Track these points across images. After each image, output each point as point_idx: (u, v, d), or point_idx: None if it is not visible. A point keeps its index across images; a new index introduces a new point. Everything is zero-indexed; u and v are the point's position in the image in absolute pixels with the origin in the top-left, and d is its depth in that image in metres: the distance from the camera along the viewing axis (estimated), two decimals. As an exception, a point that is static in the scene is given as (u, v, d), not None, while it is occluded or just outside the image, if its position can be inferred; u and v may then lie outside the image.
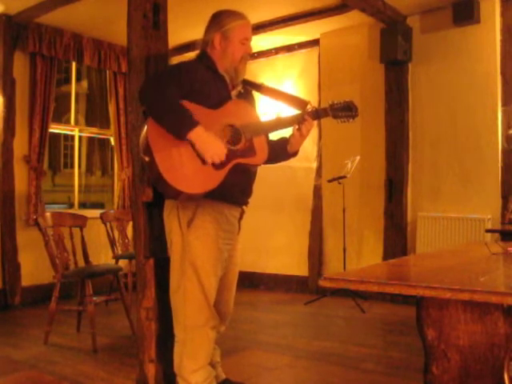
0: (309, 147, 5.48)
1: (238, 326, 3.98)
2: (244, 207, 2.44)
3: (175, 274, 2.32)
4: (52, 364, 3.26)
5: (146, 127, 2.16)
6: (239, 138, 2.24)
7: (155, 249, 2.58)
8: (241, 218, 2.44)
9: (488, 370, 1.41)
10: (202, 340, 2.30)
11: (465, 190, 4.69)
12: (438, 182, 4.85)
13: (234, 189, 2.30)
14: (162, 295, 2.53)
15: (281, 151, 2.47)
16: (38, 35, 5.04)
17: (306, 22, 5.09)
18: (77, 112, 7.65)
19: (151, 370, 2.56)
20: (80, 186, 6.79)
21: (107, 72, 5.91)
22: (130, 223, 4.43)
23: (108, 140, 6.52)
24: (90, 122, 10.44)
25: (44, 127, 5.13)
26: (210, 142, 2.13)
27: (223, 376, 2.56)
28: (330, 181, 4.95)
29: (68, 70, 6.35)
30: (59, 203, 8.66)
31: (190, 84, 2.23)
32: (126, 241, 5.09)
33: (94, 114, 9.51)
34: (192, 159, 2.15)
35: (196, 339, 2.30)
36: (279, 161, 2.53)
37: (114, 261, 4.91)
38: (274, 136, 2.44)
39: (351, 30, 5.34)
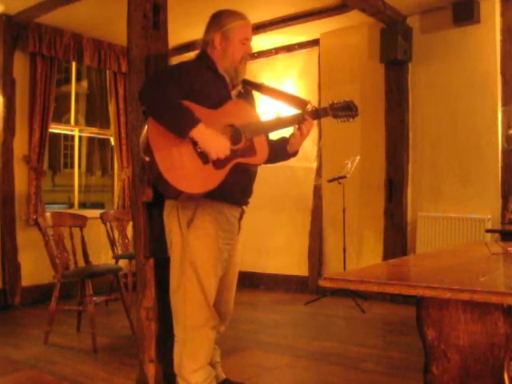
0: (309, 147, 5.48)
1: (238, 326, 3.98)
2: (244, 207, 2.44)
3: (175, 274, 2.32)
4: (52, 364, 3.26)
5: (146, 127, 2.16)
6: (239, 138, 2.24)
7: (155, 249, 2.58)
8: (241, 217, 2.44)
9: (488, 369, 1.41)
10: (201, 340, 2.30)
11: (465, 190, 4.69)
12: (438, 182, 4.85)
13: (235, 189, 2.30)
14: (162, 295, 2.53)
15: (281, 151, 2.47)
16: (38, 35, 5.04)
17: (306, 22, 5.09)
18: (77, 112, 7.65)
19: (151, 370, 2.56)
20: (80, 185, 6.79)
21: (107, 72, 5.91)
22: (130, 223, 4.43)
23: (108, 140, 6.52)
24: (89, 122, 10.44)
25: (44, 127, 5.13)
26: (213, 138, 2.14)
27: (223, 376, 2.56)
28: (330, 181, 4.95)
29: (68, 70, 6.35)
30: (59, 203, 8.65)
31: (190, 84, 2.23)
32: (126, 241, 5.09)
33: (94, 114, 9.51)
34: (192, 159, 2.15)
35: (196, 339, 2.30)
36: (279, 161, 2.53)
37: (113, 261, 4.91)
38: (274, 136, 2.44)
39: (351, 30, 5.33)
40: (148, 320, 2.57)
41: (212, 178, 2.17)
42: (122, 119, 5.82)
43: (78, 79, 9.71)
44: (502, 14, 4.57)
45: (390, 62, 4.95)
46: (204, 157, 2.16)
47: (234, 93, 2.38)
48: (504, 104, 4.54)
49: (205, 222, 2.26)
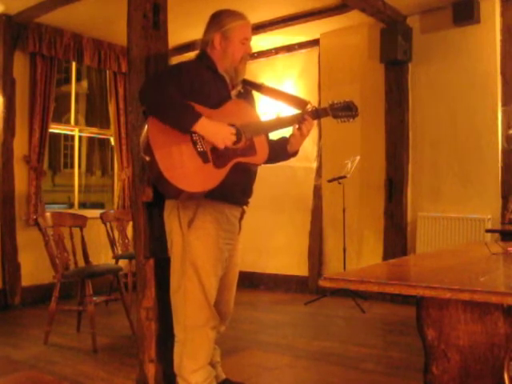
0: (309, 147, 5.48)
1: (238, 326, 3.98)
2: (245, 207, 2.44)
3: (175, 274, 2.32)
4: (52, 364, 3.25)
5: (146, 127, 2.16)
6: (240, 138, 2.24)
7: (155, 249, 2.58)
8: (241, 217, 2.44)
9: (488, 369, 1.41)
10: (202, 340, 2.30)
11: (465, 190, 4.69)
12: (438, 182, 4.85)
13: (235, 188, 2.30)
14: (162, 295, 2.53)
15: (281, 151, 2.47)
16: (38, 35, 5.04)
17: (306, 22, 5.09)
18: (77, 112, 7.65)
19: (151, 370, 2.56)
20: (80, 185, 6.79)
21: (107, 72, 5.91)
22: (130, 223, 4.43)
23: (108, 140, 6.52)
24: (89, 122, 10.45)
25: (44, 127, 5.13)
26: (216, 128, 2.16)
27: (223, 376, 2.56)
28: (330, 181, 4.95)
29: (68, 70, 6.35)
30: (59, 203, 8.66)
31: (189, 84, 2.23)
32: (126, 241, 5.09)
33: (94, 114, 9.52)
34: (193, 158, 2.15)
35: (196, 339, 2.30)
36: (279, 160, 2.53)
37: (113, 261, 4.90)
38: (274, 136, 2.44)
39: (351, 30, 5.34)
40: (148, 320, 2.57)
41: (212, 177, 2.17)
42: (122, 119, 5.82)
43: (78, 79, 9.71)
44: (502, 14, 4.57)
45: (390, 62, 4.95)
46: (204, 156, 2.16)
47: (233, 93, 2.38)
48: (504, 104, 4.54)
49: (205, 221, 2.26)
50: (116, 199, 5.97)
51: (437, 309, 1.48)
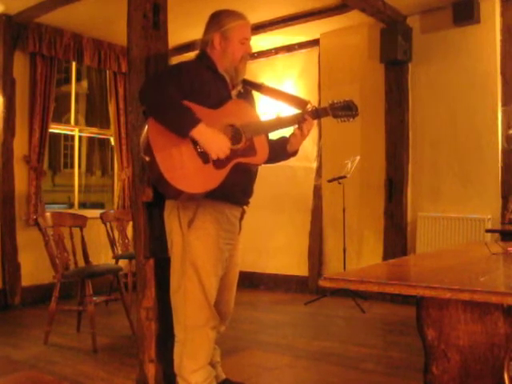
0: (309, 147, 5.48)
1: (238, 326, 3.98)
2: (245, 207, 2.44)
3: (176, 274, 2.32)
4: (52, 364, 3.25)
5: (146, 127, 2.16)
6: (240, 138, 2.24)
7: (155, 249, 2.58)
8: (242, 217, 2.44)
9: (488, 369, 1.41)
10: (202, 340, 2.30)
11: (465, 189, 4.69)
12: (438, 182, 4.85)
13: (235, 188, 2.30)
14: (162, 295, 2.53)
15: (281, 150, 2.47)
16: (38, 35, 5.04)
17: (306, 22, 5.09)
18: (77, 112, 7.65)
19: (151, 370, 2.56)
20: (80, 185, 6.79)
21: (107, 72, 5.91)
22: (130, 223, 4.43)
23: (108, 140, 6.52)
24: (90, 122, 10.44)
25: (44, 127, 5.13)
26: (213, 138, 2.14)
27: (223, 376, 2.56)
28: (330, 181, 4.95)
29: (68, 70, 6.35)
30: (59, 203, 8.65)
31: (190, 84, 2.23)
32: (126, 241, 5.09)
33: (94, 114, 9.52)
34: (193, 159, 2.15)
35: (196, 339, 2.30)
36: (279, 160, 2.53)
37: (113, 261, 4.90)
38: (274, 135, 2.44)
39: (351, 30, 5.33)
40: (148, 320, 2.57)
41: (212, 178, 2.17)
42: (122, 119, 5.82)
43: (78, 79, 9.71)
44: (502, 14, 4.57)
45: (390, 62, 4.95)
46: (204, 156, 2.16)
47: (234, 93, 2.38)
48: (504, 104, 4.54)
49: (205, 222, 2.26)
50: (116, 199, 5.97)
51: (437, 309, 1.48)
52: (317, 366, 3.20)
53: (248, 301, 5.15)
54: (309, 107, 2.41)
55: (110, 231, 4.88)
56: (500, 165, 4.53)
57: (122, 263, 4.86)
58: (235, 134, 2.23)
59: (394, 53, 4.79)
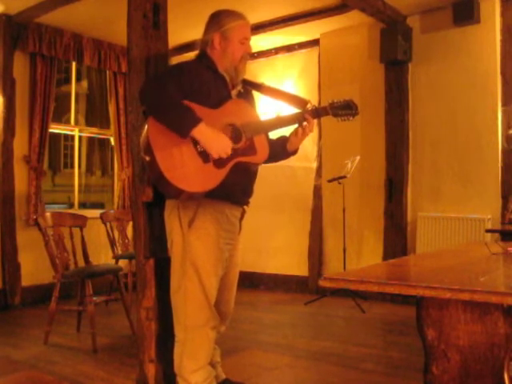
0: (309, 147, 5.48)
1: (238, 326, 3.98)
2: (245, 207, 2.44)
3: (176, 274, 2.32)
4: (52, 364, 3.25)
5: (146, 127, 2.16)
6: (240, 137, 2.24)
7: (155, 249, 2.58)
8: (242, 217, 2.44)
9: (488, 369, 1.41)
10: (202, 340, 2.30)
11: (465, 189, 4.69)
12: (438, 182, 4.85)
13: (235, 188, 2.30)
14: (162, 295, 2.53)
15: (281, 150, 2.48)
16: (38, 35, 5.04)
17: (305, 22, 5.09)
18: (77, 112, 7.64)
19: (151, 370, 2.56)
20: (80, 185, 6.79)
21: (107, 72, 5.91)
22: (130, 223, 4.43)
23: (108, 140, 6.52)
24: (89, 122, 10.43)
25: (44, 127, 5.13)
26: (214, 137, 2.14)
27: (223, 376, 2.56)
28: (330, 181, 4.95)
29: (68, 70, 6.35)
30: (59, 203, 8.65)
31: (190, 84, 2.23)
32: (126, 241, 5.09)
33: (94, 114, 9.51)
34: (193, 158, 2.15)
35: (196, 339, 2.30)
36: (279, 159, 2.53)
37: (113, 261, 4.90)
38: (274, 135, 2.44)
39: (351, 30, 5.33)
40: (148, 320, 2.57)
41: (213, 177, 2.17)
42: (122, 119, 5.82)
43: (78, 79, 9.70)
44: (502, 14, 4.57)
45: (389, 62, 4.95)
46: (204, 156, 2.16)
47: (234, 92, 2.39)
48: (504, 104, 4.54)
49: (206, 221, 2.26)
50: (116, 199, 5.97)
51: (437, 309, 1.48)
52: (317, 366, 3.20)
53: (248, 301, 5.15)
54: (309, 106, 2.41)
55: (110, 231, 4.88)
56: (500, 165, 4.53)
57: (122, 263, 4.86)
58: (235, 134, 2.24)
59: (394, 53, 4.79)
